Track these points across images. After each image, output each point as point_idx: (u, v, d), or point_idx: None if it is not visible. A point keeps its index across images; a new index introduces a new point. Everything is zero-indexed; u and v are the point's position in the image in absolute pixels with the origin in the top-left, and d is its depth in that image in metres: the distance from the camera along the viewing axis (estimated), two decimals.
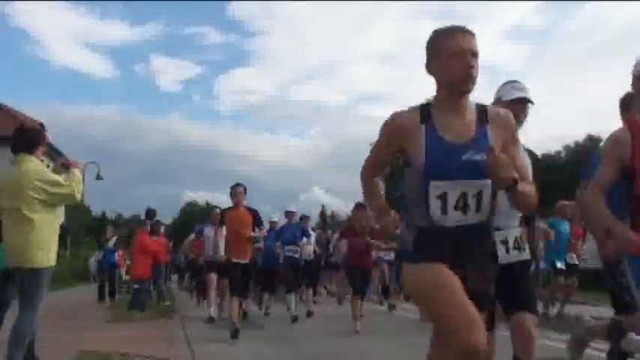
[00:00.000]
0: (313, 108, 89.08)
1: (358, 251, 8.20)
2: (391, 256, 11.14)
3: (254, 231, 7.60)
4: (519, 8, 67.77)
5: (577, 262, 9.46)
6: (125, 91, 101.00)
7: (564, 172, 32.10)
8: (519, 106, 3.33)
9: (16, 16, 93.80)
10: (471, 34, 2.35)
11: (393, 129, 2.42)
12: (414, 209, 2.39)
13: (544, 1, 67.09)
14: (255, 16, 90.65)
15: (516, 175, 2.22)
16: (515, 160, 2.35)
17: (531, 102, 3.41)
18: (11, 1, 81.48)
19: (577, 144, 37.41)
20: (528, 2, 72.08)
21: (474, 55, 2.31)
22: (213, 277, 9.70)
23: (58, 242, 4.50)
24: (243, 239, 7.45)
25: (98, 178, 27.76)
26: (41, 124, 5.40)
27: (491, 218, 2.41)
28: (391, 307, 10.91)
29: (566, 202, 9.05)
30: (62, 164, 4.66)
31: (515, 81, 3.50)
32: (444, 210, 2.31)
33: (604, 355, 4.60)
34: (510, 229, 3.28)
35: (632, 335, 4.06)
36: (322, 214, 58.19)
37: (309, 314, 9.83)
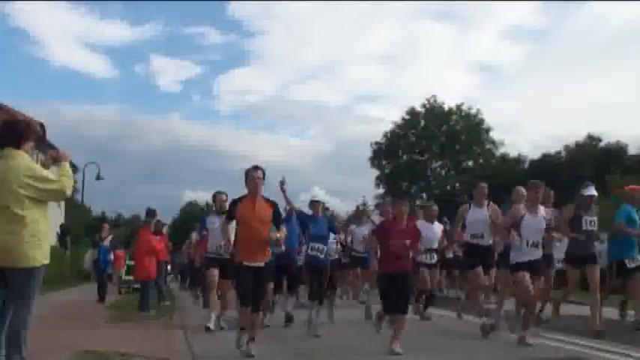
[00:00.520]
0: (313, 108, 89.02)
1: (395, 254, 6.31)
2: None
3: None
4: (519, 8, 67.66)
5: None
6: (125, 91, 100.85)
7: (564, 172, 32.12)
8: None
9: (15, 16, 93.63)
10: None
11: None
12: None
13: (544, 1, 67.06)
14: (255, 16, 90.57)
15: None
16: None
17: None
18: (11, 1, 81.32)
19: (577, 144, 37.38)
20: (528, 2, 72.07)
21: None
22: (214, 273, 8.10)
23: (51, 238, 4.23)
24: (259, 239, 5.87)
25: (98, 178, 27.80)
26: (41, 124, 5.38)
27: None
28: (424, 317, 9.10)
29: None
30: (51, 157, 4.44)
31: None
32: None
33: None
34: None
35: None
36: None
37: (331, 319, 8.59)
